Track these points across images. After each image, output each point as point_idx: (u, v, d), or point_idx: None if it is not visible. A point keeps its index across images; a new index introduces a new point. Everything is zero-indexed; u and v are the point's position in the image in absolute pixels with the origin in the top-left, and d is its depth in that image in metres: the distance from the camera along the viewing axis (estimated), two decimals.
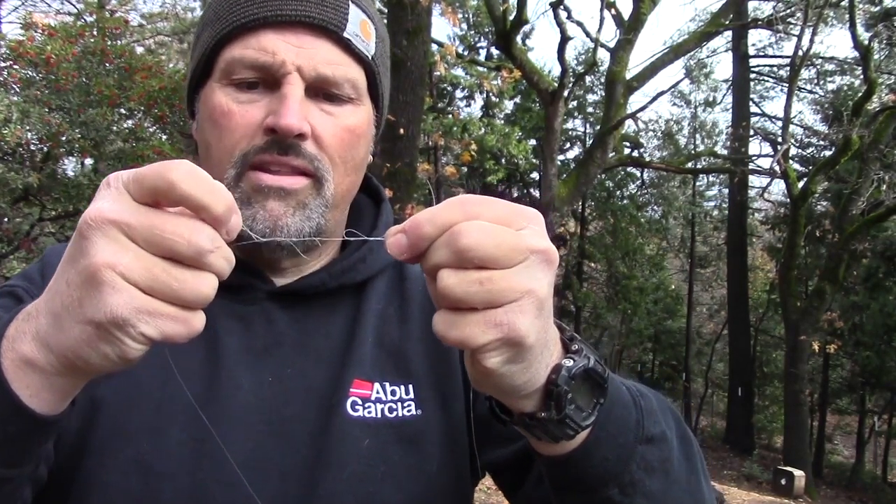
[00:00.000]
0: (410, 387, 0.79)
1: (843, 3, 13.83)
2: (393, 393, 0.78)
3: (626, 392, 0.64)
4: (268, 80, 0.75)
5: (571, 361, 0.55)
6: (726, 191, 21.76)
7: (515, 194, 20.78)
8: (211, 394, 0.73)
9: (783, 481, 12.21)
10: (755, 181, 19.93)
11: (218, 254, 0.47)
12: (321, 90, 0.76)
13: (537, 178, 19.38)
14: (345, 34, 0.76)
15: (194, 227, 0.46)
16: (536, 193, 19.19)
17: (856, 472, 17.79)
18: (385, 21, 8.54)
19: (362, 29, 0.78)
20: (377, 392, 0.78)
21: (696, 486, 0.70)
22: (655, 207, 22.82)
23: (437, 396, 0.80)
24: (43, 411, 0.50)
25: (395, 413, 0.77)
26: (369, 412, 0.76)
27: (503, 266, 0.47)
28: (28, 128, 6.10)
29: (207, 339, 0.76)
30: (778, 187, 19.12)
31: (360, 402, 0.76)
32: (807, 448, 14.81)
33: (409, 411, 0.78)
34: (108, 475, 0.69)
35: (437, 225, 0.47)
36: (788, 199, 15.51)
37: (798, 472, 12.25)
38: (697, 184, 22.82)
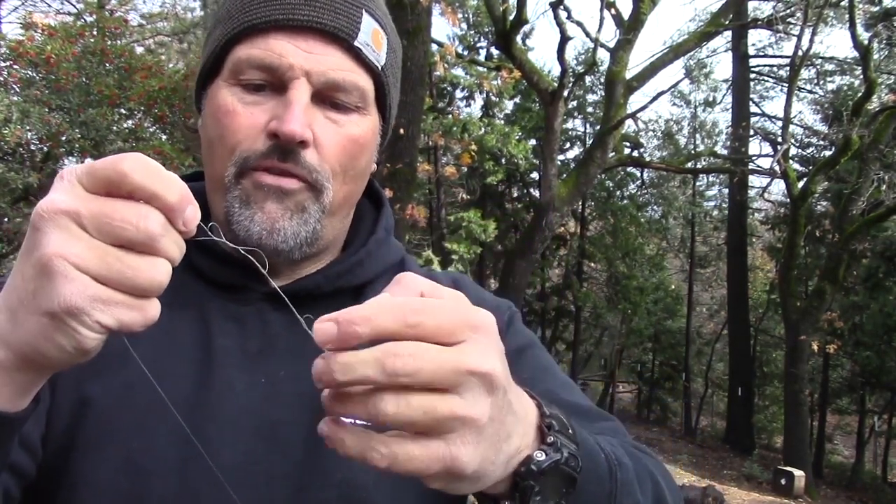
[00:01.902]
0: None
1: (843, 3, 13.82)
2: None
3: (604, 462, 0.62)
4: (275, 83, 0.74)
5: (543, 455, 0.53)
6: (726, 191, 21.77)
7: (515, 194, 20.79)
8: (203, 395, 0.73)
9: (783, 481, 12.21)
10: (755, 181, 19.95)
11: (169, 238, 0.47)
12: (328, 98, 0.76)
13: (537, 178, 19.37)
14: (356, 43, 0.75)
15: (143, 213, 0.46)
16: (536, 193, 19.18)
17: (856, 472, 17.79)
18: None
19: (374, 38, 0.78)
20: None
21: None
22: (655, 207, 22.82)
23: None
24: (2, 408, 0.50)
25: None
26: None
27: (441, 390, 0.45)
28: (28, 128, 6.10)
29: (201, 339, 0.76)
30: (778, 187, 19.14)
31: None
32: (807, 448, 14.81)
33: None
34: (96, 473, 0.69)
35: (372, 329, 0.44)
36: (788, 199, 15.51)
37: (798, 472, 12.25)
38: (697, 184, 22.82)
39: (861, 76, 14.63)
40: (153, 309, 0.48)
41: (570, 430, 0.57)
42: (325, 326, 0.46)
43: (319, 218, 0.77)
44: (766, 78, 21.80)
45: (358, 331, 0.44)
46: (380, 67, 0.79)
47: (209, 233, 0.54)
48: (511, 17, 10.52)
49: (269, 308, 0.80)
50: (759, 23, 15.36)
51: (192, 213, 0.48)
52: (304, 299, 0.80)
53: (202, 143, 0.81)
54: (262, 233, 0.74)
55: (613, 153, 12.74)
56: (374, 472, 0.72)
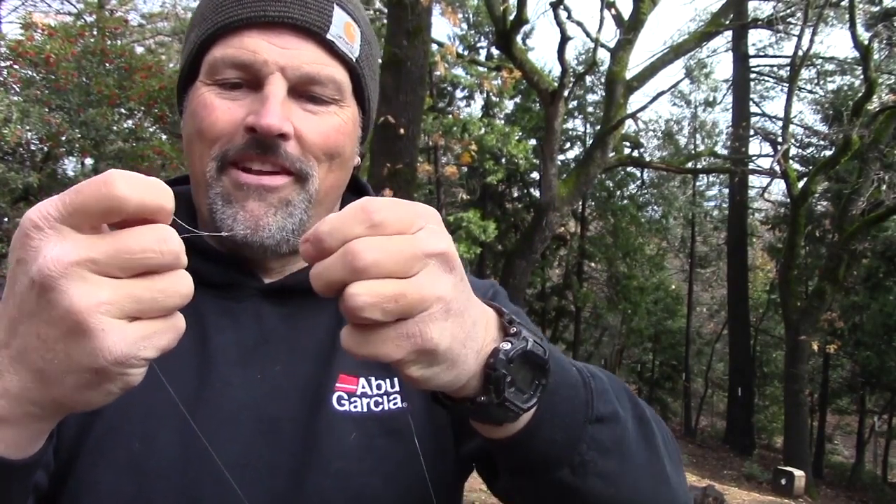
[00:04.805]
0: (396, 380, 0.81)
1: (843, 3, 13.82)
2: (378, 387, 0.80)
3: (576, 373, 0.64)
4: (251, 80, 0.75)
5: (509, 344, 0.55)
6: (726, 191, 21.76)
7: (515, 194, 20.78)
8: (202, 393, 0.74)
9: (783, 481, 12.21)
10: (755, 181, 19.95)
11: (183, 248, 0.47)
12: (305, 92, 0.77)
13: (537, 178, 19.36)
14: (328, 36, 0.77)
15: (162, 237, 0.45)
16: (536, 193, 19.18)
17: (856, 472, 17.79)
18: (385, 21, 8.54)
19: (346, 31, 0.79)
20: (363, 387, 0.79)
21: (660, 469, 0.69)
22: (655, 207, 22.80)
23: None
24: (20, 456, 0.50)
25: (381, 407, 0.79)
26: (355, 406, 0.77)
27: (405, 276, 0.47)
28: (28, 128, 6.10)
29: (198, 338, 0.77)
30: (778, 187, 19.15)
31: (345, 396, 0.78)
32: (807, 448, 14.81)
33: (394, 404, 0.79)
34: (100, 475, 0.70)
35: (337, 239, 0.47)
36: (788, 199, 15.51)
37: (798, 472, 12.25)
38: (697, 184, 22.80)
39: (861, 76, 14.63)
40: (181, 320, 0.48)
41: (537, 335, 0.58)
42: (303, 248, 0.49)
43: (306, 208, 0.77)
44: (766, 78, 21.80)
45: (326, 244, 0.47)
46: (354, 59, 0.80)
47: (185, 227, 0.54)
48: (511, 17, 10.51)
49: (264, 303, 0.81)
50: (759, 23, 15.37)
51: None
52: (296, 294, 0.81)
53: (184, 143, 0.82)
54: (246, 231, 0.75)
55: (613, 153, 12.73)
56: (369, 463, 0.75)
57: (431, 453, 0.77)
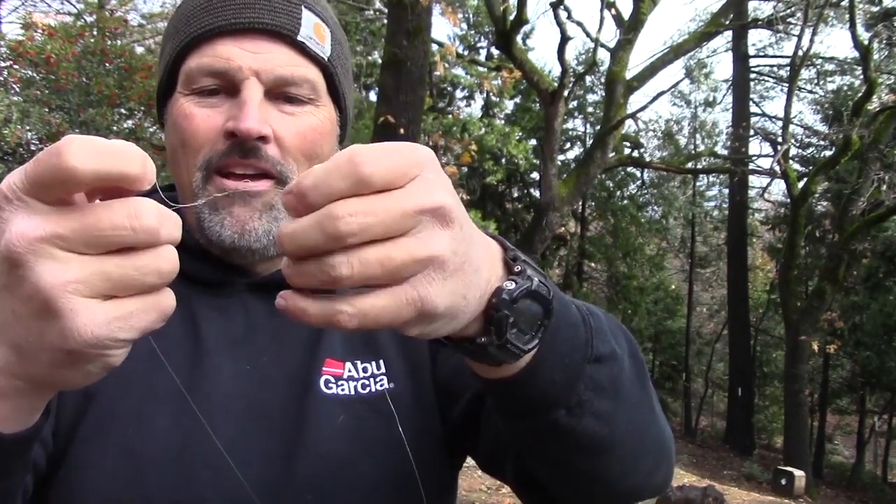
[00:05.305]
0: (381, 362, 0.83)
1: (843, 3, 13.82)
2: (365, 370, 0.82)
3: (575, 311, 0.61)
4: (227, 87, 0.77)
5: (513, 284, 0.52)
6: (726, 191, 21.76)
7: (515, 194, 20.78)
8: (194, 383, 0.75)
9: (783, 481, 12.21)
10: (755, 181, 19.94)
11: (167, 223, 0.43)
12: (281, 94, 0.79)
13: (537, 178, 19.36)
14: (299, 37, 0.78)
15: (133, 211, 0.41)
16: (536, 193, 19.18)
17: (856, 472, 17.79)
18: (385, 21, 8.53)
19: (316, 32, 0.81)
20: (349, 371, 0.81)
21: (649, 408, 0.68)
22: (655, 207, 22.81)
23: (407, 368, 0.84)
24: (14, 430, 0.49)
25: (368, 389, 0.81)
26: (343, 389, 0.80)
27: (397, 236, 0.43)
28: (28, 128, 6.11)
29: (190, 331, 0.79)
30: (778, 187, 19.14)
31: (332, 380, 0.80)
32: (807, 448, 14.81)
33: (381, 385, 0.81)
34: (95, 458, 0.71)
35: (321, 194, 0.42)
36: (788, 199, 15.52)
37: (798, 472, 12.25)
38: (697, 184, 22.81)
39: (861, 76, 14.64)
40: (167, 300, 0.45)
41: (540, 272, 0.55)
42: (286, 199, 0.44)
43: None
44: (766, 78, 21.80)
45: (311, 198, 0.43)
46: (326, 58, 0.82)
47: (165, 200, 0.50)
48: (511, 17, 10.51)
49: (252, 298, 0.83)
50: (759, 23, 15.37)
51: (152, 170, 0.43)
52: (282, 288, 0.81)
53: (168, 154, 0.84)
54: (233, 236, 0.77)
55: (613, 153, 12.73)
56: (358, 444, 0.76)
57: (417, 433, 0.78)
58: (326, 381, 0.79)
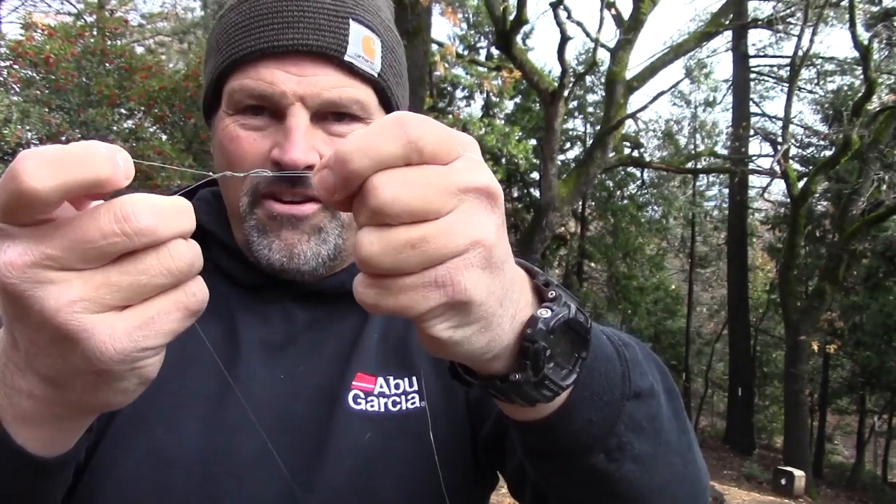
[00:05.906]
0: (414, 379, 0.79)
1: (843, 3, 13.82)
2: (397, 386, 0.79)
3: (608, 342, 0.55)
4: (272, 109, 0.74)
5: (549, 312, 0.46)
6: (726, 191, 21.74)
7: (515, 194, 20.77)
8: (227, 387, 0.74)
9: (783, 481, 12.20)
10: (755, 181, 19.93)
11: (168, 217, 0.39)
12: (329, 112, 0.75)
13: (537, 178, 19.36)
14: (346, 58, 0.74)
15: (118, 214, 0.37)
16: (536, 193, 19.18)
17: (856, 472, 17.78)
18: None
19: (365, 47, 0.75)
20: (381, 386, 0.78)
21: (687, 447, 0.61)
22: (655, 207, 22.80)
23: (440, 387, 0.79)
24: (57, 454, 0.49)
25: (398, 406, 0.77)
26: (372, 406, 0.76)
27: (434, 216, 0.38)
28: (28, 128, 6.11)
29: (228, 332, 0.78)
30: (778, 187, 19.14)
31: (362, 395, 0.77)
32: (807, 448, 14.80)
33: (412, 404, 0.78)
34: (121, 460, 0.70)
35: (369, 157, 0.37)
36: (788, 199, 15.51)
37: (798, 472, 12.24)
38: (697, 184, 22.79)
39: (861, 76, 14.63)
40: (191, 296, 0.41)
41: (575, 299, 0.50)
42: (321, 177, 0.39)
43: (339, 233, 0.77)
44: (766, 78, 21.79)
45: (356, 165, 0.37)
46: (376, 75, 0.77)
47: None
48: (511, 17, 10.51)
49: (294, 306, 0.81)
50: (759, 23, 15.37)
51: (128, 165, 0.38)
52: (330, 297, 0.82)
53: (215, 169, 0.83)
54: (282, 259, 0.75)
55: (613, 153, 12.73)
56: (383, 463, 0.74)
57: (447, 454, 0.74)
58: (355, 397, 0.76)
